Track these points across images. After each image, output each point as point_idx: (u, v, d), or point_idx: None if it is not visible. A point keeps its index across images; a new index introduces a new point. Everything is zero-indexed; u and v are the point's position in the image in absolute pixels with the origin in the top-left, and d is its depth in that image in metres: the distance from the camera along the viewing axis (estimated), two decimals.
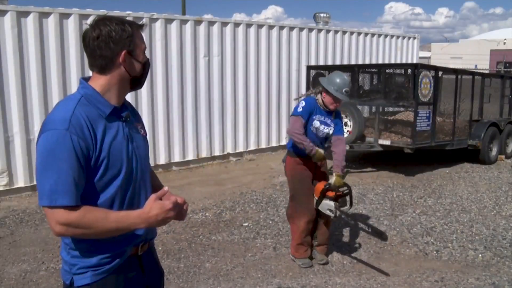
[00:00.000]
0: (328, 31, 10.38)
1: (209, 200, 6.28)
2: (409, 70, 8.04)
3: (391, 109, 9.23)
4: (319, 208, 3.99)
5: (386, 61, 11.60)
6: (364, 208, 5.96)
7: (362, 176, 7.74)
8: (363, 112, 8.70)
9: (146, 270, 1.77)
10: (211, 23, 8.34)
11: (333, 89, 3.92)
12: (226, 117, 8.71)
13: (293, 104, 4.21)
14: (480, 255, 4.54)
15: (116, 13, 7.10)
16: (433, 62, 36.01)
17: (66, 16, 6.65)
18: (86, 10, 6.94)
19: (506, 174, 8.01)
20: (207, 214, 5.70)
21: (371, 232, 4.04)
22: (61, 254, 1.66)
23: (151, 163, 5.45)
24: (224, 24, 8.55)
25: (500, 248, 4.72)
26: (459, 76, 8.60)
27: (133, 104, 1.87)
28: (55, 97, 6.51)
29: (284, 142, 9.40)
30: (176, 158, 8.08)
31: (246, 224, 5.35)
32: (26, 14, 6.28)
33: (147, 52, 1.70)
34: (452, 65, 24.62)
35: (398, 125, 8.32)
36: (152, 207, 1.54)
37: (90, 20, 1.60)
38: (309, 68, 8.90)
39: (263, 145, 9.45)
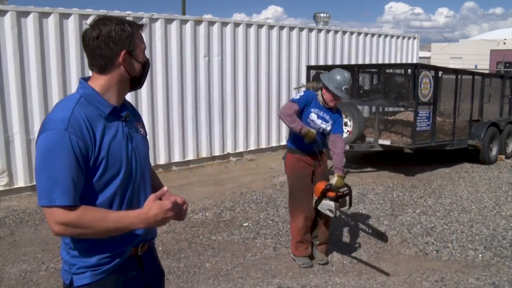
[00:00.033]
0: (328, 31, 10.38)
1: (209, 200, 6.28)
2: (409, 70, 8.03)
3: (391, 109, 9.22)
4: (319, 208, 3.99)
5: (386, 61, 11.59)
6: (364, 208, 5.96)
7: (362, 176, 7.74)
8: (363, 112, 8.70)
9: (146, 270, 1.77)
10: (211, 23, 8.34)
11: (333, 86, 3.92)
12: (226, 117, 8.71)
13: None
14: (480, 255, 4.54)
15: (116, 13, 7.10)
16: (433, 62, 36.00)
17: (66, 16, 6.65)
18: (86, 10, 6.94)
19: (506, 174, 8.01)
20: (207, 214, 5.70)
21: (371, 233, 4.05)
22: (61, 254, 1.67)
23: (151, 163, 5.45)
24: (224, 24, 8.55)
25: (500, 248, 4.72)
26: (459, 76, 8.60)
27: (133, 104, 1.87)
28: (55, 97, 6.51)
29: (284, 142, 9.40)
30: (176, 158, 8.08)
31: (246, 224, 5.35)
32: (26, 14, 6.28)
33: (147, 52, 1.70)
34: (452, 65, 24.62)
35: (398, 125, 8.32)
36: (151, 207, 1.54)
37: (90, 20, 1.60)
38: (309, 68, 8.90)
39: (263, 145, 9.45)
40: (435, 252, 4.63)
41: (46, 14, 6.46)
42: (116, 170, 1.58)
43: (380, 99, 8.07)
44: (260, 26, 9.14)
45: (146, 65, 1.67)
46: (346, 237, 4.99)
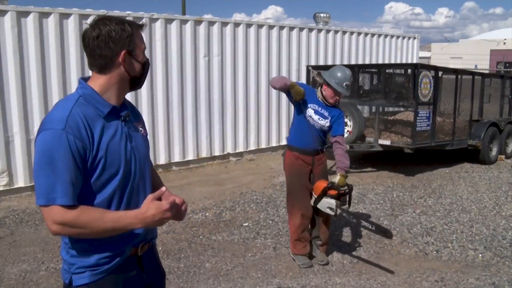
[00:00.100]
0: (328, 31, 10.38)
1: (209, 200, 6.28)
2: (409, 70, 8.04)
3: (391, 109, 9.23)
4: (318, 206, 3.97)
5: (386, 61, 11.59)
6: (364, 208, 5.96)
7: (362, 176, 7.74)
8: (363, 112, 8.70)
9: (146, 270, 1.76)
10: (211, 23, 8.34)
11: (334, 82, 3.91)
12: (226, 117, 8.71)
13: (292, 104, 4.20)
14: (480, 255, 4.54)
15: (116, 13, 7.11)
16: (433, 62, 36.01)
17: (66, 16, 6.65)
18: (86, 10, 6.94)
19: (506, 174, 8.01)
20: (207, 214, 5.70)
21: (375, 230, 4.03)
22: (61, 253, 1.67)
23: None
24: (224, 24, 8.55)
25: (500, 248, 4.72)
26: (459, 76, 8.60)
27: (133, 104, 1.87)
28: (55, 97, 6.51)
29: (284, 142, 9.40)
30: (176, 158, 8.08)
31: (246, 224, 5.35)
32: (26, 14, 6.28)
33: (147, 52, 1.70)
34: (452, 65, 24.63)
35: (398, 125, 8.32)
36: (149, 207, 1.54)
37: (90, 20, 1.60)
38: (309, 68, 8.89)
39: (263, 145, 9.45)
40: (435, 252, 4.63)
41: (46, 14, 6.46)
42: (114, 169, 1.58)
43: (380, 99, 8.07)
44: (260, 26, 9.14)
45: (146, 65, 1.68)
46: (346, 237, 4.99)
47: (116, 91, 1.62)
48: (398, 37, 12.13)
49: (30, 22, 6.31)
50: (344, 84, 3.93)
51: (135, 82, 1.68)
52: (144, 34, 1.70)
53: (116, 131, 1.61)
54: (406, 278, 4.02)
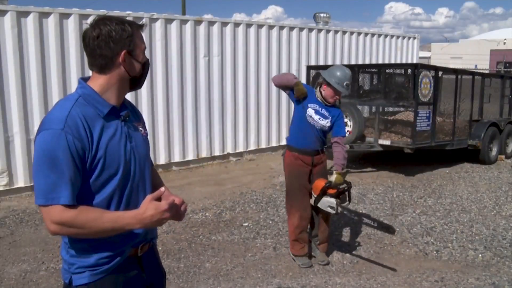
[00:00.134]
0: (328, 31, 10.38)
1: (209, 200, 6.28)
2: (409, 70, 8.03)
3: (391, 109, 9.23)
4: (319, 205, 3.97)
5: (386, 61, 11.59)
6: (364, 208, 5.96)
7: (362, 176, 7.74)
8: (363, 112, 8.70)
9: (146, 270, 1.76)
10: (211, 23, 8.34)
11: (334, 81, 3.90)
12: (226, 117, 8.71)
13: (293, 103, 4.20)
14: (480, 255, 4.54)
15: (116, 13, 7.10)
16: (433, 62, 36.01)
17: (66, 16, 6.65)
18: (86, 10, 6.94)
19: (506, 174, 8.01)
20: (207, 214, 5.70)
21: (377, 226, 4.02)
22: (61, 253, 1.67)
23: None
24: (224, 24, 8.55)
25: (500, 248, 4.72)
26: (459, 76, 8.60)
27: (133, 104, 1.86)
28: (55, 97, 6.51)
29: (284, 142, 9.40)
30: (176, 158, 8.08)
31: (246, 224, 5.35)
32: (26, 14, 6.28)
33: (147, 52, 1.70)
34: (452, 65, 24.63)
35: (398, 125, 8.32)
36: (148, 207, 1.54)
37: (90, 20, 1.60)
38: (309, 68, 8.90)
39: (263, 145, 9.45)
40: (435, 252, 4.63)
41: (46, 14, 6.46)
42: (114, 169, 1.58)
43: (380, 99, 8.07)
44: (260, 26, 9.14)
45: (146, 65, 1.68)
46: (346, 237, 4.99)
47: (116, 91, 1.62)
48: (398, 37, 12.13)
49: (30, 22, 6.31)
50: (344, 84, 3.93)
51: (135, 82, 1.68)
52: (144, 34, 1.70)
53: (116, 131, 1.61)
54: (406, 278, 4.02)
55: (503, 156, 9.04)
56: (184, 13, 19.66)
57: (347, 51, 10.81)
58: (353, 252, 4.57)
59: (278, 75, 4.15)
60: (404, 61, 12.03)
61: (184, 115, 8.09)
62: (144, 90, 7.37)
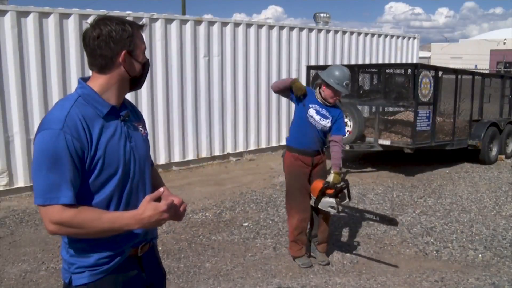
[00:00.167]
0: (328, 31, 10.38)
1: (209, 200, 6.28)
2: (409, 70, 8.04)
3: (391, 109, 9.22)
4: (319, 206, 3.97)
5: (386, 61, 11.59)
6: (364, 208, 5.96)
7: (362, 176, 7.74)
8: (363, 112, 8.70)
9: (146, 270, 1.76)
10: (211, 23, 8.34)
11: (333, 81, 3.90)
12: (226, 117, 8.71)
13: (293, 104, 4.20)
14: (480, 255, 4.54)
15: (116, 13, 7.10)
16: (433, 62, 36.01)
17: (66, 16, 6.65)
18: (86, 10, 6.94)
19: (506, 174, 8.01)
20: (207, 214, 5.70)
21: (379, 220, 4.01)
22: (61, 253, 1.67)
23: None
24: (224, 24, 8.55)
25: (500, 248, 4.72)
26: (459, 76, 8.60)
27: (133, 104, 1.86)
28: (55, 97, 6.51)
29: (284, 142, 9.40)
30: (176, 158, 8.08)
31: (246, 224, 5.35)
32: (26, 14, 6.28)
33: (147, 52, 1.70)
34: (452, 65, 24.63)
35: (398, 125, 8.32)
36: (146, 208, 1.54)
37: (90, 20, 1.60)
38: (309, 68, 8.90)
39: (263, 145, 9.45)
40: (435, 252, 4.63)
41: (46, 14, 6.46)
42: (113, 169, 1.58)
43: (380, 99, 8.07)
44: (260, 26, 9.14)
45: (146, 66, 1.68)
46: (346, 237, 4.99)
47: (116, 91, 1.62)
48: (398, 37, 12.13)
49: (30, 22, 6.31)
50: (344, 83, 3.92)
51: (135, 82, 1.68)
52: (144, 34, 1.70)
53: (115, 131, 1.61)
54: (406, 278, 4.02)
55: (503, 156, 9.04)
56: (184, 13, 19.66)
57: (347, 51, 10.81)
58: (353, 252, 4.57)
59: (275, 82, 4.16)
60: (404, 61, 12.03)
61: (184, 115, 8.08)
62: (144, 90, 7.37)
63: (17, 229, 5.15)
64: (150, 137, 7.17)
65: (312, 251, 4.35)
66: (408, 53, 12.35)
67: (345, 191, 4.00)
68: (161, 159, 7.84)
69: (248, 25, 8.94)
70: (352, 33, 10.91)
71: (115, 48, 1.56)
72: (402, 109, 8.67)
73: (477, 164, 8.58)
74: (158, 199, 1.58)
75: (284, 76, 9.56)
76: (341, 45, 10.65)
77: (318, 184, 3.94)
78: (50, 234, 1.54)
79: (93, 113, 1.56)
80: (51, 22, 6.50)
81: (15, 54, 6.22)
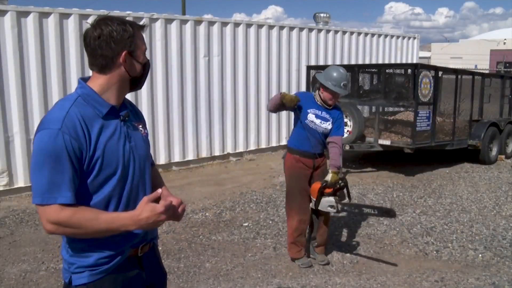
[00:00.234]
0: (328, 31, 10.38)
1: (209, 200, 6.28)
2: (409, 70, 8.03)
3: (391, 109, 9.22)
4: (319, 208, 3.97)
5: (386, 61, 11.59)
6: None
7: (362, 176, 7.74)
8: (363, 112, 8.70)
9: (147, 270, 1.76)
10: (211, 23, 8.34)
11: (331, 84, 3.90)
12: (226, 117, 8.71)
13: None
14: (480, 255, 4.54)
15: (116, 13, 7.10)
16: (433, 62, 36.01)
17: (66, 16, 6.65)
18: (86, 10, 6.94)
19: (506, 174, 8.01)
20: (207, 214, 5.70)
21: (378, 214, 4.01)
22: (61, 252, 1.67)
23: None
24: (224, 24, 8.55)
25: (500, 248, 4.72)
26: (459, 76, 8.60)
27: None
28: (55, 97, 6.51)
29: (284, 142, 9.40)
30: (176, 158, 8.08)
31: (246, 224, 5.36)
32: (26, 14, 6.28)
33: (147, 52, 1.70)
34: (452, 65, 24.63)
35: (398, 125, 8.32)
36: (144, 209, 1.53)
37: (90, 20, 1.60)
38: (309, 68, 8.89)
39: (263, 145, 9.45)
40: (435, 252, 4.63)
41: (46, 14, 6.46)
42: (112, 169, 1.58)
43: (380, 99, 8.07)
44: (260, 26, 9.14)
45: (146, 66, 1.68)
46: (346, 237, 4.99)
47: (116, 91, 1.63)
48: (398, 37, 12.13)
49: (30, 22, 6.31)
50: (341, 84, 3.92)
51: (135, 83, 1.68)
52: (144, 34, 1.70)
53: (115, 131, 1.61)
54: (406, 278, 4.02)
55: (503, 156, 9.04)
56: (184, 13, 19.66)
57: (347, 51, 10.81)
58: (353, 252, 4.57)
59: (268, 104, 4.06)
60: (404, 61, 12.03)
61: (184, 115, 8.09)
62: (144, 90, 7.37)
63: (17, 229, 5.16)
64: (150, 137, 7.18)
65: (311, 253, 4.35)
66: (408, 53, 12.35)
67: (345, 191, 3.99)
68: (161, 159, 7.84)
69: (248, 25, 8.94)
70: (352, 33, 10.92)
71: (116, 48, 1.56)
72: (402, 109, 8.67)
73: (477, 164, 8.58)
74: (156, 200, 1.58)
75: (284, 76, 9.57)
76: (341, 45, 10.65)
77: (317, 185, 3.94)
78: (48, 233, 1.54)
79: (93, 113, 1.57)
80: (51, 22, 6.50)
81: (15, 54, 6.22)
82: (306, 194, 4.05)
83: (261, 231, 5.12)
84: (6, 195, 6.33)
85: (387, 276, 4.07)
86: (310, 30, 10.05)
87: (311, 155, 4.05)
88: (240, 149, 9.04)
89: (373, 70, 9.42)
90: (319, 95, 4.01)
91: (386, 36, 11.77)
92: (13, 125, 6.31)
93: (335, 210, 3.91)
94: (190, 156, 8.26)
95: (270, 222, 5.41)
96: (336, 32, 10.54)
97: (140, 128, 1.76)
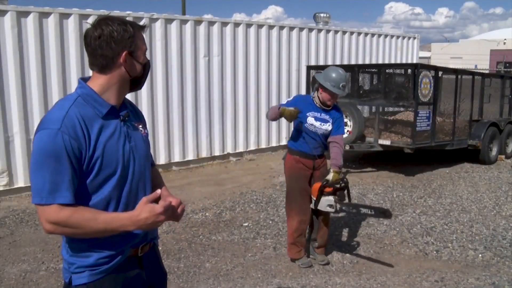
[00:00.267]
0: (328, 31, 10.38)
1: (209, 200, 6.28)
2: (409, 70, 8.03)
3: (391, 109, 9.23)
4: (319, 207, 3.97)
5: (386, 61, 11.59)
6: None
7: (362, 176, 7.74)
8: (363, 112, 8.70)
9: (147, 270, 1.76)
10: (211, 23, 8.35)
11: (330, 85, 3.90)
12: (226, 117, 8.71)
13: None
14: (480, 255, 4.54)
15: (116, 13, 7.10)
16: (433, 62, 36.02)
17: (66, 16, 6.65)
18: (86, 10, 6.95)
19: (506, 174, 8.01)
20: (207, 214, 5.70)
21: (374, 214, 4.00)
22: (62, 252, 1.68)
23: None
24: (224, 24, 8.55)
25: (500, 248, 4.72)
26: (459, 76, 8.60)
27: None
28: (55, 97, 6.51)
29: (284, 142, 9.41)
30: (176, 158, 8.08)
31: (246, 224, 5.36)
32: (26, 14, 6.28)
33: (147, 52, 1.70)
34: (452, 65, 24.63)
35: (398, 125, 8.32)
36: (143, 210, 1.53)
37: (90, 20, 1.60)
38: (309, 68, 8.89)
39: (263, 145, 9.45)
40: (435, 252, 4.63)
41: (46, 14, 6.46)
42: (111, 170, 1.58)
43: (380, 99, 8.07)
44: (260, 26, 9.14)
45: (146, 67, 1.68)
46: (346, 237, 4.99)
47: (116, 91, 1.63)
48: (398, 37, 12.13)
49: (30, 22, 6.31)
50: (340, 85, 3.92)
51: (136, 83, 1.68)
52: (144, 34, 1.70)
53: (115, 131, 1.61)
54: (406, 278, 4.02)
55: (503, 156, 9.04)
56: (184, 13, 19.66)
57: (347, 51, 10.81)
58: (353, 252, 4.58)
59: (268, 114, 4.05)
60: (404, 61, 12.04)
61: (184, 115, 8.09)
62: (144, 90, 7.36)
63: (17, 229, 5.16)
64: (150, 137, 7.17)
65: (311, 253, 4.35)
66: (408, 53, 12.35)
67: (345, 192, 3.99)
68: (161, 159, 7.84)
69: (248, 25, 8.94)
70: (352, 33, 10.92)
71: (116, 48, 1.56)
72: (402, 109, 8.67)
73: (477, 164, 8.58)
74: (156, 200, 1.58)
75: (284, 76, 9.57)
76: (341, 45, 10.66)
77: (317, 185, 3.95)
78: (47, 233, 1.54)
79: (92, 113, 1.57)
80: (51, 22, 6.50)
81: (15, 54, 6.22)
82: (306, 194, 4.06)
83: (261, 231, 5.12)
84: (6, 195, 6.33)
85: (387, 276, 4.07)
86: (310, 30, 10.05)
87: (311, 156, 4.06)
88: (240, 149, 9.04)
89: (373, 70, 9.42)
90: (318, 97, 4.02)
91: (386, 36, 11.77)
92: (13, 125, 6.31)
93: (333, 210, 3.91)
94: (190, 156, 8.27)
95: (270, 222, 5.41)
96: (336, 32, 10.54)
97: (140, 128, 1.76)
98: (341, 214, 5.18)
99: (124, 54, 1.57)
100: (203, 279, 4.00)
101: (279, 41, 9.42)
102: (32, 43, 6.35)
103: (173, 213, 1.63)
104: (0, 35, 6.13)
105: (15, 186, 6.43)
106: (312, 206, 4.03)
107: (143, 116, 1.85)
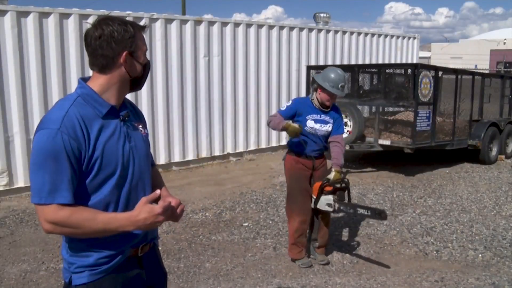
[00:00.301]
0: (328, 31, 10.38)
1: (209, 200, 6.28)
2: (409, 70, 8.04)
3: (391, 109, 9.23)
4: (318, 206, 3.97)
5: (386, 61, 11.59)
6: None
7: (362, 176, 7.74)
8: (363, 112, 8.70)
9: (147, 270, 1.76)
10: (211, 23, 8.35)
11: (329, 85, 3.90)
12: (226, 117, 8.72)
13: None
14: (480, 255, 4.54)
15: (116, 13, 7.10)
16: (433, 62, 36.02)
17: (66, 16, 6.65)
18: (86, 10, 6.95)
19: (506, 174, 8.01)
20: (207, 214, 5.70)
21: (370, 215, 4.01)
22: (62, 252, 1.68)
23: None
24: (224, 24, 8.55)
25: (500, 248, 4.72)
26: (459, 76, 8.60)
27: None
28: (55, 97, 6.51)
29: (284, 142, 9.41)
30: (176, 158, 8.08)
31: (246, 224, 5.36)
32: (26, 14, 6.28)
33: (147, 52, 1.70)
34: (452, 65, 24.63)
35: (398, 125, 8.32)
36: (142, 210, 1.53)
37: (90, 20, 1.60)
38: (309, 68, 8.89)
39: (263, 145, 9.45)
40: (435, 252, 4.63)
41: (46, 14, 6.46)
42: (111, 170, 1.58)
43: (380, 99, 8.07)
44: (260, 26, 9.14)
45: (146, 67, 1.68)
46: (346, 237, 4.99)
47: (116, 91, 1.63)
48: (398, 37, 12.13)
49: (30, 22, 6.31)
50: (339, 86, 3.93)
51: (136, 83, 1.68)
52: (144, 34, 1.70)
53: (114, 131, 1.61)
54: (406, 278, 4.02)
55: (503, 156, 9.04)
56: (184, 13, 19.66)
57: (347, 51, 10.81)
58: (353, 252, 4.58)
59: (269, 121, 4.06)
60: (404, 61, 12.04)
61: (184, 115, 8.09)
62: (144, 90, 7.36)
63: (17, 229, 5.16)
64: (150, 137, 7.16)
65: (311, 253, 4.35)
66: (408, 53, 12.35)
67: (345, 193, 4.00)
68: (161, 159, 7.84)
69: (248, 25, 8.94)
70: (352, 33, 10.92)
71: (117, 48, 1.56)
72: (402, 109, 8.67)
73: (477, 164, 8.58)
74: (155, 201, 1.57)
75: (284, 76, 9.57)
76: (341, 45, 10.66)
77: (319, 184, 3.97)
78: (46, 233, 1.55)
79: (92, 113, 1.57)
80: (51, 22, 6.50)
81: (15, 54, 6.22)
82: (307, 194, 4.06)
83: (261, 231, 5.12)
84: (6, 195, 6.33)
85: (387, 276, 4.07)
86: (310, 30, 10.05)
87: (311, 156, 4.08)
88: (240, 149, 9.04)
89: (373, 70, 9.42)
90: (317, 98, 4.02)
91: (386, 36, 11.77)
92: (13, 125, 6.31)
93: (332, 209, 3.92)
94: (190, 156, 8.27)
95: (270, 222, 5.41)
96: (336, 32, 10.54)
97: (140, 128, 1.75)
98: (340, 214, 5.18)
99: (124, 54, 1.57)
100: (203, 279, 4.00)
101: (279, 41, 9.42)
102: (32, 43, 6.35)
103: (172, 214, 1.63)
104: (0, 35, 6.13)
105: (15, 186, 6.43)
106: (312, 205, 4.04)
107: (143, 116, 1.85)
